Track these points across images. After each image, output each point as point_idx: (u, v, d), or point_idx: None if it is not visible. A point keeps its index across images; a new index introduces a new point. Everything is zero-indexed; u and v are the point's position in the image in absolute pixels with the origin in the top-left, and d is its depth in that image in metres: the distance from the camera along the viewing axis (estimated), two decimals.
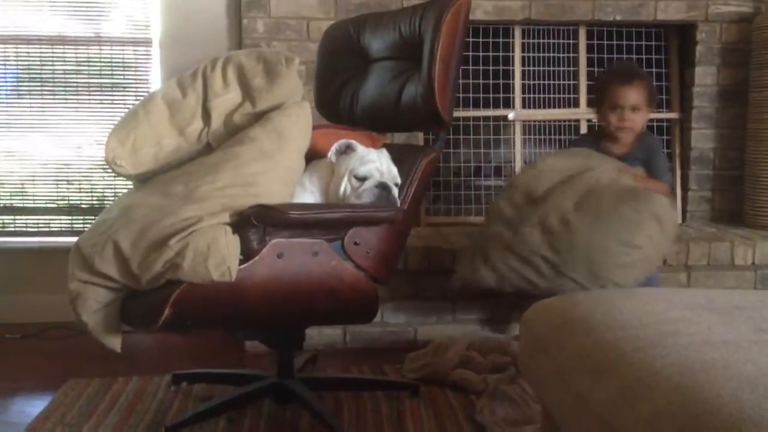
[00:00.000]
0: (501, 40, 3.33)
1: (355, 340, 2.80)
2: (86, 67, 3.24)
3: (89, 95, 3.25)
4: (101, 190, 3.29)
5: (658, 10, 3.22)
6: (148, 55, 3.24)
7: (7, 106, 3.23)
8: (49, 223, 3.28)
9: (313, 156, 2.10)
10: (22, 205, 3.27)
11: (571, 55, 3.36)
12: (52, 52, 3.22)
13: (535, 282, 2.31)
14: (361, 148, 2.06)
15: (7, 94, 3.24)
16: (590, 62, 3.36)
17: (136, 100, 3.20)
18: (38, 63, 3.22)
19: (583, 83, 3.36)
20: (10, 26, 3.19)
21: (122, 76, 3.25)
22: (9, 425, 2.13)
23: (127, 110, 2.23)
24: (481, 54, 3.30)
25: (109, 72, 3.24)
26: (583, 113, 3.35)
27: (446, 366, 2.40)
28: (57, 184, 3.27)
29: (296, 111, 2.03)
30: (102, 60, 3.24)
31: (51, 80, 3.23)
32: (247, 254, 1.78)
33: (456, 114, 2.84)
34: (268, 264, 1.80)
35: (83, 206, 3.29)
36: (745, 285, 2.88)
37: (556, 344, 1.37)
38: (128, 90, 3.26)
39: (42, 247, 3.18)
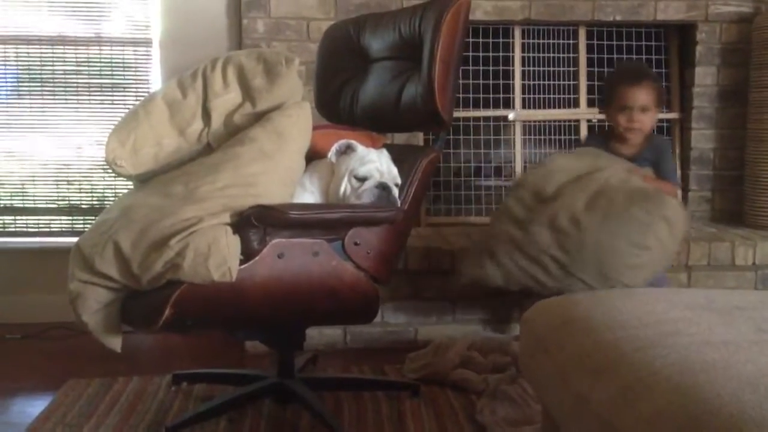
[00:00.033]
0: (501, 40, 3.33)
1: (356, 340, 2.80)
2: (86, 68, 3.23)
3: (89, 95, 3.24)
4: (101, 191, 3.29)
5: (658, 10, 3.21)
6: (148, 55, 3.24)
7: (7, 107, 3.23)
8: (49, 224, 3.28)
9: (313, 156, 2.10)
10: (22, 205, 3.26)
11: (571, 55, 3.36)
12: (52, 53, 3.22)
13: (543, 281, 2.30)
14: (361, 149, 2.06)
15: (7, 95, 3.24)
16: (590, 62, 3.36)
17: (136, 100, 3.20)
18: (38, 63, 3.22)
19: (583, 83, 3.36)
20: (10, 26, 3.19)
21: (122, 77, 3.25)
22: (9, 425, 2.13)
23: (127, 110, 2.23)
24: (481, 54, 3.29)
25: (109, 72, 3.24)
26: (583, 113, 3.35)
27: (447, 366, 2.39)
28: (57, 185, 3.27)
29: (296, 111, 2.03)
30: (102, 60, 3.23)
31: (51, 80, 3.22)
32: (247, 254, 1.78)
33: (456, 114, 2.85)
34: (269, 264, 1.81)
35: (83, 206, 3.29)
36: (746, 285, 2.88)
37: (556, 344, 1.37)
38: (128, 90, 3.26)
39: (42, 248, 3.18)
